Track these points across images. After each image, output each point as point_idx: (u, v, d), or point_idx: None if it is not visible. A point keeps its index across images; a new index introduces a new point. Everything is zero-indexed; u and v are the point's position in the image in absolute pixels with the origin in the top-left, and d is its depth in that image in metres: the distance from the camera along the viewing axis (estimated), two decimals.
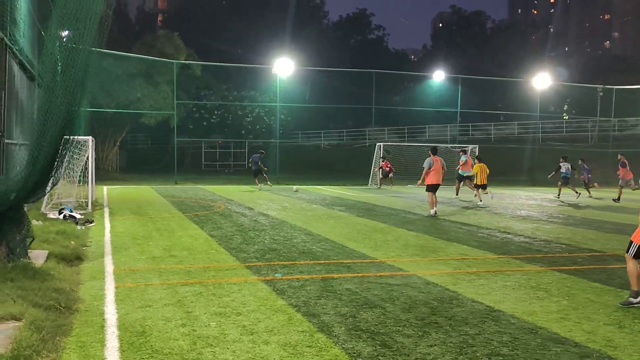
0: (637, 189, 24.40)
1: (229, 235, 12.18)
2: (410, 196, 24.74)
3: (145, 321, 6.09)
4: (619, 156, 25.44)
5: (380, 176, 30.51)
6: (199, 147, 50.83)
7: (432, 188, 16.88)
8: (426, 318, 6.45)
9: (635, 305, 7.13)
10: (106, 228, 13.00)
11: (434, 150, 17.26)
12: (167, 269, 8.69)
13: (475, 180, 22.01)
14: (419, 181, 17.30)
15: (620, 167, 24.67)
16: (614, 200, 24.43)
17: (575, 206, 21.57)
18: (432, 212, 16.81)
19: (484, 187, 21.73)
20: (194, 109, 46.60)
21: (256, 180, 27.79)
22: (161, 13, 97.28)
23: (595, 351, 5.53)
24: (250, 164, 28.74)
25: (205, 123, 48.07)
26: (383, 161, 30.75)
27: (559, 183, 25.78)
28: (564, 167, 25.29)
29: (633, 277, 7.20)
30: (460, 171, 24.53)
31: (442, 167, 17.21)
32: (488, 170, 21.94)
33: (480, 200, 21.34)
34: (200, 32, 59.88)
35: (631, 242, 7.37)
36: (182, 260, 9.42)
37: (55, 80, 7.70)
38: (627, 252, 7.34)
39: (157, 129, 44.33)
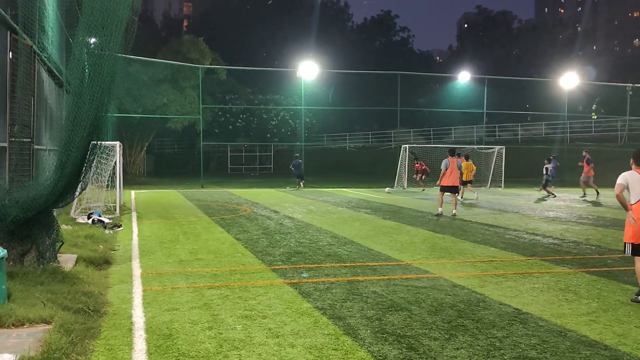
0: (593, 188, 25.70)
1: (254, 238, 12.23)
2: (436, 198, 24.54)
3: (172, 324, 6.14)
4: (584, 153, 26.01)
5: (417, 177, 30.23)
6: (225, 150, 51.15)
7: (445, 189, 17.35)
8: (453, 321, 6.39)
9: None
10: (134, 232, 13.15)
11: (452, 152, 17.51)
12: (193, 272, 8.75)
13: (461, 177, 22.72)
14: (438, 181, 17.71)
15: (585, 164, 25.41)
16: (581, 197, 25.35)
17: (606, 207, 21.21)
18: (439, 211, 17.32)
19: (468, 183, 23.47)
20: (220, 113, 46.91)
21: (301, 184, 30.14)
22: (186, 18, 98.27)
23: (626, 354, 5.43)
24: (292, 168, 31.14)
25: (230, 127, 48.35)
26: (417, 163, 30.42)
27: (581, 182, 25.92)
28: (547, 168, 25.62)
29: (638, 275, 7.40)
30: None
31: (459, 169, 17.49)
32: (474, 168, 24.18)
33: (461, 197, 22.73)
34: (225, 37, 60.32)
35: (624, 244, 7.66)
36: (209, 263, 9.48)
37: (82, 86, 7.82)
38: (625, 252, 7.65)
39: (183, 134, 44.73)
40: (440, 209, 17.40)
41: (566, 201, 23.67)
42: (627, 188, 7.49)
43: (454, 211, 17.30)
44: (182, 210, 18.33)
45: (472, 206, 20.84)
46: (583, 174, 25.69)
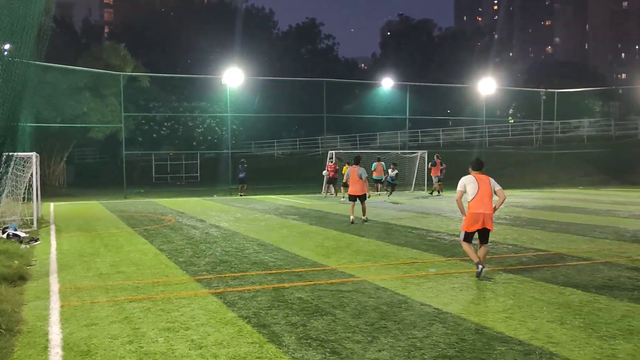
0: (438, 189, 29.92)
1: (179, 248, 12.03)
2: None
3: (90, 340, 5.96)
4: (435, 157, 30.29)
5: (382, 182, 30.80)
6: (149, 159, 50.05)
7: (351, 198, 17.11)
8: (376, 323, 6.51)
9: (483, 273, 8.77)
10: (52, 246, 12.67)
11: (356, 161, 17.37)
12: (114, 286, 8.52)
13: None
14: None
15: (432, 167, 29.86)
16: (430, 193, 29.92)
17: (523, 207, 22.11)
18: (351, 218, 16.86)
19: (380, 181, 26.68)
20: (143, 121, 45.86)
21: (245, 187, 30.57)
22: (107, 25, 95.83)
23: (538, 348, 5.68)
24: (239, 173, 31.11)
25: (155, 135, 47.34)
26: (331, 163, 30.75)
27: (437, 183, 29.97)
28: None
29: (470, 254, 9.06)
30: (373, 176, 28.57)
31: (360, 177, 16.72)
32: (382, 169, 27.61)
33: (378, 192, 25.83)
34: (147, 44, 59.09)
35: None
36: (130, 276, 9.26)
37: None
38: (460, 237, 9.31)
39: (105, 143, 43.46)
40: (351, 217, 16.86)
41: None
42: (465, 191, 9.16)
43: (362, 217, 17.05)
44: (103, 222, 17.80)
45: (397, 210, 21.26)
46: (433, 176, 29.84)
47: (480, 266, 8.81)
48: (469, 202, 9.03)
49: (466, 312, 6.99)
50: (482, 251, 9.07)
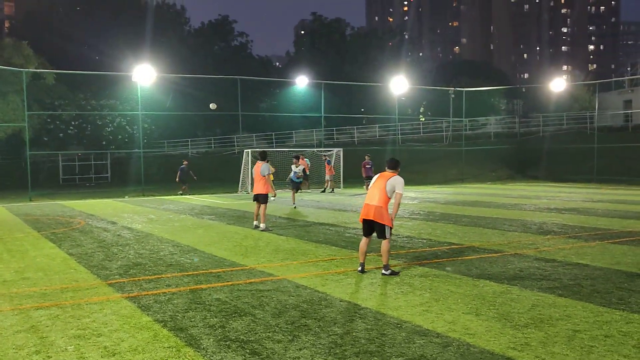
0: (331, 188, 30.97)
1: (89, 252, 11.51)
2: (278, 201, 24.85)
3: None
4: (324, 157, 32.01)
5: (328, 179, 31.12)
6: (56, 160, 47.82)
7: (254, 198, 15.10)
8: (296, 321, 6.45)
9: (388, 275, 8.82)
10: None
11: (261, 155, 15.36)
12: (19, 293, 8.03)
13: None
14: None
15: (326, 165, 30.93)
16: (322, 191, 30.47)
17: (436, 202, 22.74)
18: (254, 223, 15.17)
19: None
20: (49, 120, 43.76)
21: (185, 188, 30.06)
22: (8, 19, 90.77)
23: (455, 340, 5.81)
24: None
25: (61, 135, 45.30)
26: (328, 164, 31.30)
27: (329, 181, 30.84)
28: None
29: (362, 253, 9.14)
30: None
31: (262, 174, 14.71)
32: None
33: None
34: (52, 39, 56.35)
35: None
36: (37, 282, 8.75)
37: None
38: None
39: (6, 143, 41.18)
40: (254, 222, 15.20)
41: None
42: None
43: (259, 224, 14.82)
44: (6, 226, 16.79)
45: (314, 207, 21.33)
46: (328, 174, 30.63)
47: (360, 267, 9.14)
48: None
49: (385, 306, 7.07)
50: (382, 247, 9.01)
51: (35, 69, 35.95)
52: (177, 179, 30.85)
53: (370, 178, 28.06)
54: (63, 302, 7.50)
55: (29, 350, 5.62)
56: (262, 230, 14.48)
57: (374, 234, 9.05)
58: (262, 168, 14.70)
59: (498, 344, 5.69)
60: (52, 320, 6.61)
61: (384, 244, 8.91)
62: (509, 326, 6.25)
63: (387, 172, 9.15)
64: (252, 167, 31.09)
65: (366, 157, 29.90)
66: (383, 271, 8.89)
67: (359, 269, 9.09)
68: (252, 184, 16.84)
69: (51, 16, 62.72)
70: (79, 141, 47.35)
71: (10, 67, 32.55)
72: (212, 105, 29.11)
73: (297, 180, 22.75)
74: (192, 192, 30.88)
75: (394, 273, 8.89)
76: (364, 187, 29.70)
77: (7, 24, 79.73)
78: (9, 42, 38.61)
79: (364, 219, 9.09)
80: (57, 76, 39.77)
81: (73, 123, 45.60)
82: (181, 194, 29.84)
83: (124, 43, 55.92)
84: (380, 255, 8.99)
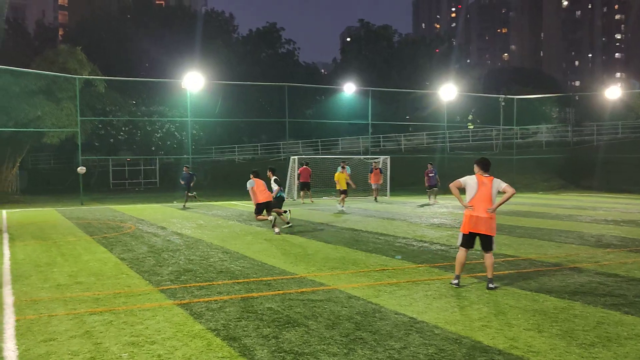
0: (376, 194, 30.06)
1: (140, 257, 11.58)
2: (327, 209, 24.74)
3: (49, 357, 5.57)
4: (374, 163, 31.15)
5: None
6: (106, 165, 48.90)
7: (260, 207, 15.83)
8: (351, 334, 6.27)
9: (453, 285, 8.60)
10: (5, 256, 12.05)
11: (255, 174, 16.03)
12: (73, 298, 8.08)
13: (338, 186, 24.10)
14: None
15: (372, 173, 30.09)
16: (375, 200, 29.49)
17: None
18: (275, 230, 15.36)
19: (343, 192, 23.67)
20: (100, 126, 44.76)
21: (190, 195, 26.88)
22: (62, 27, 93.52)
23: (518, 358, 5.53)
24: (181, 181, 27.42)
25: (112, 140, 46.28)
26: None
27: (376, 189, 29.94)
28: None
29: (457, 263, 8.69)
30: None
31: (269, 189, 16.00)
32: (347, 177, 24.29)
33: (342, 206, 23.34)
34: (104, 47, 57.77)
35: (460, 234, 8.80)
36: (90, 286, 8.81)
37: None
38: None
39: (60, 148, 42.27)
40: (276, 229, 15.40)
41: (449, 208, 24.60)
42: (464, 187, 8.76)
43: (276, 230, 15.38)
44: (59, 229, 17.12)
45: (361, 215, 21.11)
46: (374, 182, 29.66)
47: (455, 280, 8.67)
48: (468, 202, 8.63)
49: (442, 321, 6.82)
50: (488, 260, 8.57)
51: (88, 75, 36.75)
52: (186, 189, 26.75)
53: (433, 187, 27.28)
54: (116, 307, 7.50)
55: (84, 356, 5.59)
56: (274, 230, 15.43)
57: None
58: (268, 184, 16.22)
59: None
60: (106, 326, 6.60)
61: (491, 256, 8.60)
62: (574, 345, 5.93)
63: (483, 177, 8.67)
64: (297, 174, 31.14)
65: (429, 166, 28.19)
66: (490, 285, 8.47)
67: (455, 282, 8.62)
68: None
69: (103, 24, 64.26)
70: (129, 146, 48.29)
71: (65, 74, 33.39)
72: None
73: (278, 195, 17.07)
74: (232, 198, 30.98)
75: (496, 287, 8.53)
76: (427, 196, 28.65)
77: (61, 32, 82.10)
78: (63, 48, 39.63)
79: (471, 232, 8.60)
80: (109, 83, 40.61)
81: (123, 129, 46.53)
82: (188, 200, 26.91)
83: (174, 50, 56.90)
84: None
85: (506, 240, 13.88)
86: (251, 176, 16.06)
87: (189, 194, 26.65)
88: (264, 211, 15.95)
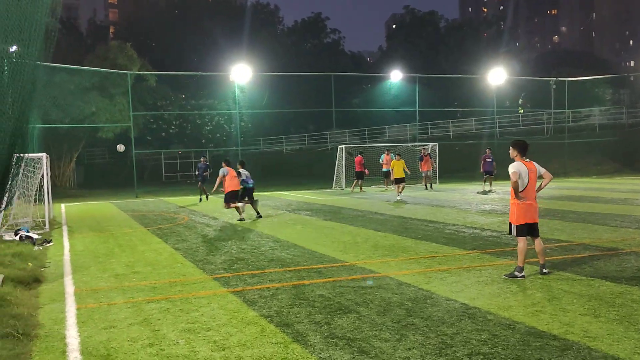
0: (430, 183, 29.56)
1: (194, 247, 11.86)
2: (375, 197, 24.71)
3: (109, 343, 5.79)
4: (423, 150, 30.57)
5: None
6: (159, 158, 49.97)
7: (230, 196, 16.70)
8: (402, 320, 6.30)
9: (519, 278, 8.12)
10: (65, 247, 12.53)
11: (227, 163, 17.09)
12: (130, 287, 8.35)
13: (392, 175, 23.19)
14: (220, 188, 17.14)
15: (422, 160, 29.50)
16: (428, 188, 28.74)
17: (539, 197, 21.74)
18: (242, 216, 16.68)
19: (400, 180, 22.39)
20: (152, 120, 45.74)
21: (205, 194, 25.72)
22: (113, 25, 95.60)
23: (574, 343, 5.45)
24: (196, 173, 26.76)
25: (163, 134, 47.25)
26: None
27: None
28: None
29: (522, 254, 8.25)
30: (383, 169, 29.10)
31: (238, 176, 16.92)
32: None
33: (399, 195, 22.34)
34: (153, 42, 58.94)
35: (510, 224, 8.46)
36: (147, 276, 9.09)
37: (2, 96, 7.33)
38: (511, 233, 8.46)
39: (114, 143, 43.37)
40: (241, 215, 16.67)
41: (500, 194, 24.23)
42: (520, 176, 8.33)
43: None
44: (116, 221, 17.66)
45: (407, 203, 21.01)
46: (424, 169, 29.19)
47: (522, 272, 8.21)
48: (520, 192, 8.26)
49: (495, 306, 6.77)
50: (539, 246, 8.40)
51: (139, 70, 37.59)
52: (199, 182, 26.00)
53: (489, 173, 26.44)
54: (172, 295, 7.72)
55: (143, 342, 5.79)
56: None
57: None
58: (241, 173, 17.02)
59: (622, 348, 5.29)
60: (163, 314, 6.81)
61: (541, 242, 8.52)
62: (632, 330, 5.81)
63: (526, 162, 8.43)
64: (345, 163, 31.17)
65: (487, 151, 27.16)
66: (544, 270, 8.34)
67: (522, 274, 8.22)
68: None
69: (152, 20, 65.44)
70: (180, 140, 49.18)
71: (117, 70, 34.26)
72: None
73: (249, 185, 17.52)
74: (280, 188, 31.17)
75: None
76: (483, 182, 27.42)
77: (112, 29, 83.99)
78: (114, 45, 40.61)
79: (526, 222, 8.30)
80: (159, 77, 41.42)
81: (174, 122, 47.42)
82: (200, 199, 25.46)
83: (221, 44, 57.52)
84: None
85: (559, 225, 13.60)
86: (223, 164, 16.97)
87: (205, 188, 25.45)
88: (234, 200, 16.72)
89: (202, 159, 26.78)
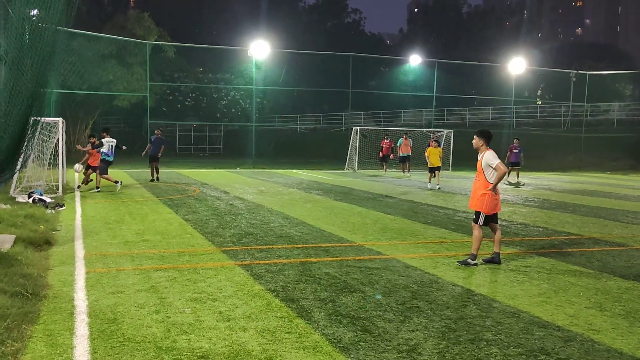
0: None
1: (204, 219, 11.93)
2: (386, 180, 24.69)
3: (116, 308, 5.86)
4: (433, 136, 27.73)
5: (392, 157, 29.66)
6: (173, 130, 50.08)
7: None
8: (407, 302, 6.32)
9: (472, 266, 8.16)
10: (77, 212, 12.65)
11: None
12: (139, 254, 8.43)
13: (428, 163, 21.85)
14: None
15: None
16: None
17: (551, 190, 21.69)
18: None
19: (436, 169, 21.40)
20: (168, 92, 45.84)
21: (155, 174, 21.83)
22: None
23: (578, 335, 5.46)
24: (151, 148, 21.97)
25: (179, 106, 47.35)
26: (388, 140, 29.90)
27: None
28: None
29: (479, 242, 8.31)
30: (399, 153, 28.12)
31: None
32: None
33: (438, 184, 21.34)
34: (173, 14, 58.67)
35: (479, 213, 8.33)
36: (156, 244, 9.17)
37: (21, 56, 7.36)
38: (477, 222, 8.35)
39: (130, 112, 43.55)
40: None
41: (512, 184, 24.11)
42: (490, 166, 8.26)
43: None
44: (128, 190, 17.79)
45: (422, 189, 20.97)
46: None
47: (475, 260, 8.27)
48: (493, 181, 8.16)
49: (500, 294, 6.77)
50: (499, 234, 8.50)
51: (156, 40, 37.59)
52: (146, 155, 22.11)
53: (517, 164, 25.39)
54: (180, 265, 7.79)
55: (149, 309, 5.86)
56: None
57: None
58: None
59: (626, 343, 5.29)
60: (170, 282, 6.88)
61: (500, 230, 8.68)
62: (637, 325, 5.80)
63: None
64: (359, 145, 31.12)
65: (515, 141, 26.09)
66: (495, 259, 8.42)
67: (475, 262, 8.28)
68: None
69: None
70: (195, 113, 49.27)
71: (135, 39, 34.29)
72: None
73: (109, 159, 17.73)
74: (293, 166, 31.18)
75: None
76: (508, 172, 26.54)
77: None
78: (132, 14, 40.61)
79: (495, 213, 8.48)
80: (177, 50, 41.39)
81: (190, 95, 47.49)
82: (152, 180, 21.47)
83: (241, 18, 57.32)
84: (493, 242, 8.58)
85: (569, 219, 13.54)
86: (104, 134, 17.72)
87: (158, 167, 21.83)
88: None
89: (157, 132, 21.98)
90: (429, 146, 27.33)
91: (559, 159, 38.74)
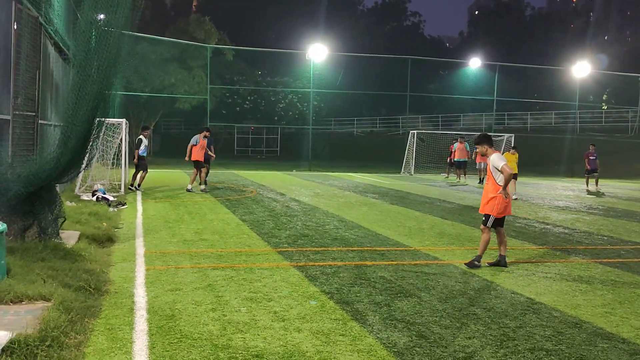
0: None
1: (260, 220, 12.04)
2: (444, 185, 24.36)
3: (175, 304, 5.97)
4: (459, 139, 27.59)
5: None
6: (232, 132, 50.89)
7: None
8: (464, 309, 6.19)
9: (477, 267, 8.18)
10: (138, 211, 12.98)
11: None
12: (198, 253, 8.58)
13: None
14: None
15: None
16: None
17: (617, 197, 20.92)
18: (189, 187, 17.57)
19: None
20: (227, 94, 46.56)
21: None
22: None
23: None
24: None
25: (238, 108, 48.04)
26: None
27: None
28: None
29: (486, 244, 8.31)
30: (454, 158, 27.21)
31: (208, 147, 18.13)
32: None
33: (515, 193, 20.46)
34: (234, 18, 59.70)
35: (488, 216, 8.33)
36: (213, 244, 9.31)
37: (88, 59, 7.62)
38: (486, 225, 8.34)
39: (190, 114, 44.47)
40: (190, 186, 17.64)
41: (575, 191, 23.39)
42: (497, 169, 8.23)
43: (189, 186, 17.61)
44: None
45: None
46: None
47: (480, 261, 8.31)
48: (502, 184, 8.18)
49: (562, 304, 6.55)
50: (505, 237, 8.55)
51: (216, 44, 38.25)
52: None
53: (595, 171, 23.97)
54: (237, 264, 7.88)
55: (206, 307, 5.94)
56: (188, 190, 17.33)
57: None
58: (209, 141, 18.25)
59: None
60: (227, 281, 6.96)
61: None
62: None
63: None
64: (416, 149, 30.81)
65: (590, 147, 24.55)
66: (501, 262, 8.42)
67: (478, 264, 8.34)
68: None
69: None
70: (253, 115, 49.89)
71: (196, 43, 35.03)
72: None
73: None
74: (349, 169, 31.11)
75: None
76: (586, 181, 24.84)
77: (195, 3, 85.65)
78: (193, 18, 41.45)
79: (504, 216, 8.58)
80: (236, 53, 42.02)
81: (249, 98, 48.10)
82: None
83: (300, 22, 57.76)
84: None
85: (637, 228, 13.01)
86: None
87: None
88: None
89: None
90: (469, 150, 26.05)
91: (625, 166, 37.31)
